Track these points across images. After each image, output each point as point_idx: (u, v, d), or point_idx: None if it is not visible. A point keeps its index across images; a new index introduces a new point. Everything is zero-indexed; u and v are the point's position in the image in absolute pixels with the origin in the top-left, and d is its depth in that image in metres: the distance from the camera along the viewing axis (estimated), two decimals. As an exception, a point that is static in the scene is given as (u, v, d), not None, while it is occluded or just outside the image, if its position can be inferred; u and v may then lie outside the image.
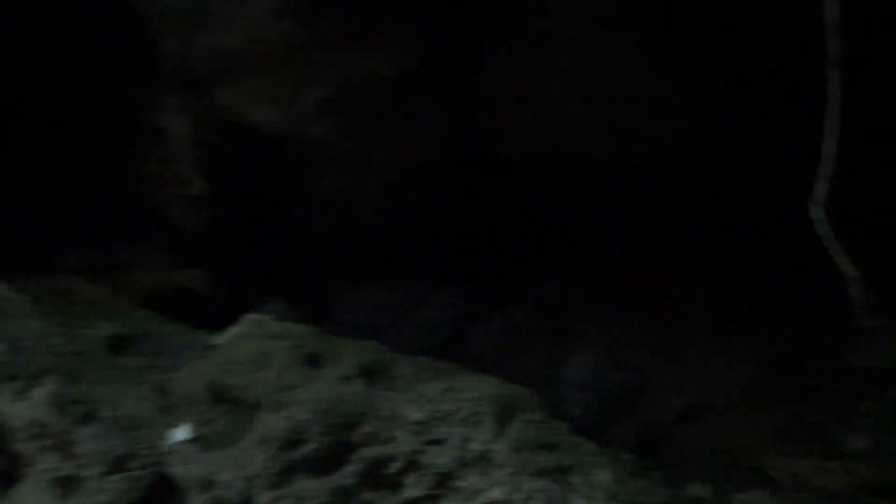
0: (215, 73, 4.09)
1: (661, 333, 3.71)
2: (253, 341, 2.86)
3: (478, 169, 4.09)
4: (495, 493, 2.24)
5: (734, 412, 3.43)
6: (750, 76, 3.34)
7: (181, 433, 2.39)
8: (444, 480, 2.30)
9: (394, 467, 2.35)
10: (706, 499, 3.13)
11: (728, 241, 3.46)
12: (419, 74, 3.96)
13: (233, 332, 2.98)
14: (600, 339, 3.84)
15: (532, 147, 3.89)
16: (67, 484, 2.21)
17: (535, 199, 4.03)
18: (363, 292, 4.28)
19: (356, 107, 4.00)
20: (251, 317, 3.04)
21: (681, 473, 3.21)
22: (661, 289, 3.71)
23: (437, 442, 2.37)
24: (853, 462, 3.03)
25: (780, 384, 3.41)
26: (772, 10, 3.20)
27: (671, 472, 3.23)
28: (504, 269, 4.18)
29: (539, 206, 4.03)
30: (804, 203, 2.61)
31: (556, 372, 3.90)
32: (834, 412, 3.17)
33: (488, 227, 4.12)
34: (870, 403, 3.17)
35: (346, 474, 2.29)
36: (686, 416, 3.54)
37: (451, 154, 4.09)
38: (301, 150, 4.20)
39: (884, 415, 3.15)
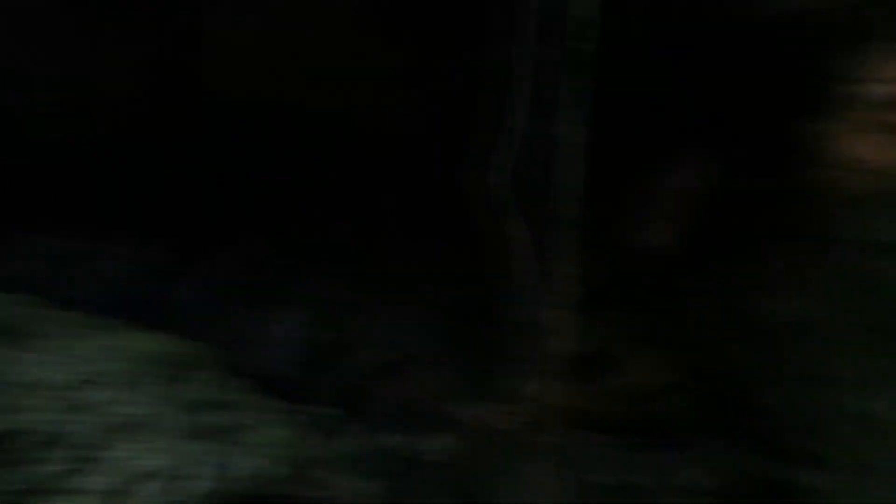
0: None
1: (363, 292, 3.78)
2: None
3: (179, 110, 3.69)
4: (149, 462, 2.05)
5: (426, 365, 3.64)
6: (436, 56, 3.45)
7: None
8: (89, 451, 2.04)
9: (29, 441, 2.03)
10: (394, 447, 3.30)
11: (419, 203, 3.63)
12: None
13: None
14: (305, 296, 3.78)
15: (236, 91, 3.61)
16: None
17: (240, 147, 3.78)
18: (33, 240, 3.65)
19: (17, 17, 3.33)
20: None
21: (374, 425, 3.32)
22: (362, 248, 3.77)
23: (84, 408, 2.10)
24: (520, 404, 3.42)
25: (466, 338, 3.70)
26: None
27: (366, 424, 3.32)
28: (208, 221, 3.88)
29: (244, 154, 3.79)
30: (487, 171, 2.79)
31: (262, 329, 3.76)
32: (507, 361, 3.53)
33: (191, 175, 3.77)
34: (535, 352, 3.60)
35: (-41, 453, 1.92)
36: (383, 370, 3.67)
37: (146, 87, 3.63)
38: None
39: (544, 362, 3.60)
